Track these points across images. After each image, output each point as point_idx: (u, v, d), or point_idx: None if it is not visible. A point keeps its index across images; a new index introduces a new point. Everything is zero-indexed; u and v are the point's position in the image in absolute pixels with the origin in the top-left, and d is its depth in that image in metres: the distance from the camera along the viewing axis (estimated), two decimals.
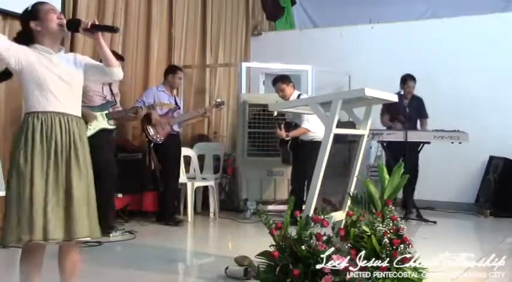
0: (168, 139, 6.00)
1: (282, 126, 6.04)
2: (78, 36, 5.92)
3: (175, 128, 6.14)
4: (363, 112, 4.26)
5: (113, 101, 5.47)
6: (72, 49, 5.89)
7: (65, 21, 2.77)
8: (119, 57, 5.46)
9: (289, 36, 8.94)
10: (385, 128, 6.71)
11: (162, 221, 5.93)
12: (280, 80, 6.08)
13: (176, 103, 6.28)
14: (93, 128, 5.19)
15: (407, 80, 6.65)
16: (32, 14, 2.77)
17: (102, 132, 5.24)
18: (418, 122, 6.85)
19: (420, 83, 6.83)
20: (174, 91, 6.43)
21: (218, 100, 6.52)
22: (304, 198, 6.12)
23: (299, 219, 3.31)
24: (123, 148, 6.24)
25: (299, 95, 6.02)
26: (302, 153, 5.90)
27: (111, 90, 5.44)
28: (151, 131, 5.95)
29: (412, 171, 6.07)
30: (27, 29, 2.78)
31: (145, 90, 6.54)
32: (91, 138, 5.26)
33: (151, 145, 5.99)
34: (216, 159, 7.18)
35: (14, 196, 2.60)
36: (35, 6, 2.78)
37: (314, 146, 5.79)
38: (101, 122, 5.26)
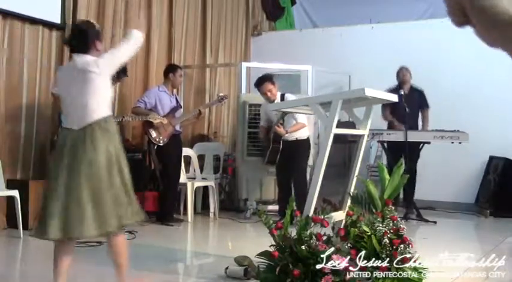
0: (170, 140, 5.99)
1: (280, 123, 5.79)
2: None
3: (178, 127, 6.13)
4: (363, 112, 4.26)
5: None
6: None
7: None
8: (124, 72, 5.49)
9: (289, 36, 8.94)
10: (385, 127, 6.72)
11: (162, 221, 5.93)
12: (268, 80, 5.77)
13: (177, 101, 6.26)
14: None
15: (399, 72, 6.71)
16: (99, 35, 3.24)
17: None
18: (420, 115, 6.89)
19: (420, 83, 6.83)
20: (175, 90, 6.42)
21: (221, 94, 6.48)
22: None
23: (299, 219, 3.31)
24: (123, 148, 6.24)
25: (282, 95, 5.88)
26: (289, 153, 5.84)
27: None
28: (153, 133, 5.92)
29: (411, 172, 6.08)
30: (89, 43, 3.13)
31: (146, 90, 6.54)
32: None
33: (154, 147, 5.98)
34: (216, 159, 7.18)
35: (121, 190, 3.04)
36: (99, 29, 3.31)
37: (300, 144, 5.82)
38: None
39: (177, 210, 6.42)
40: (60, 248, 3.06)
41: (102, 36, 3.29)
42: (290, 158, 5.76)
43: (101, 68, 3.07)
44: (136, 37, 3.16)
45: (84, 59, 3.11)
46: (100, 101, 3.08)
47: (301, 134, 5.85)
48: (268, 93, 5.76)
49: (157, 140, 5.91)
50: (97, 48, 3.16)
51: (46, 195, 3.07)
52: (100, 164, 2.97)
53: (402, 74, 6.70)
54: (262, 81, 5.81)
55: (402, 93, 6.43)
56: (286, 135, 5.77)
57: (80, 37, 3.15)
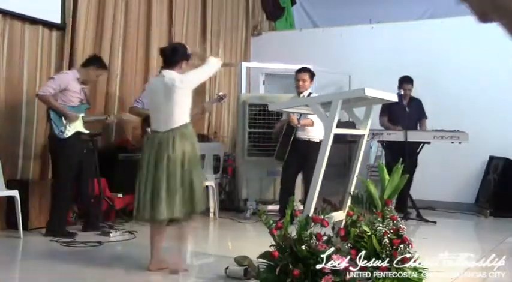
0: None
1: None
2: (79, 37, 5.92)
3: None
4: (363, 112, 4.26)
5: (88, 104, 5.44)
6: (72, 47, 5.89)
7: None
8: (103, 66, 5.45)
9: (289, 36, 8.94)
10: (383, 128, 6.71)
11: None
12: (309, 71, 5.87)
13: None
14: (72, 129, 5.16)
15: (403, 83, 6.62)
16: (187, 57, 3.96)
17: (78, 134, 5.20)
18: (418, 123, 6.86)
19: (420, 83, 6.83)
20: None
21: (220, 93, 6.41)
22: (300, 197, 6.12)
23: (299, 219, 3.31)
24: (123, 148, 6.24)
25: (309, 94, 5.86)
26: (301, 153, 5.81)
27: (84, 93, 5.38)
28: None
29: (410, 171, 6.07)
30: (177, 60, 3.90)
31: (144, 89, 6.55)
32: (67, 140, 5.19)
33: None
34: (216, 159, 7.17)
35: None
36: (190, 55, 4.00)
37: (313, 146, 5.80)
38: (77, 125, 5.21)
39: None
40: (153, 228, 3.87)
41: (191, 58, 4.05)
42: (302, 159, 5.72)
43: (184, 84, 3.80)
44: (214, 63, 4.00)
45: (171, 76, 3.81)
46: (181, 111, 3.81)
47: (314, 135, 5.79)
48: (301, 82, 5.80)
49: None
50: (181, 66, 3.90)
51: (139, 185, 3.80)
52: (176, 160, 3.69)
53: (403, 87, 6.56)
54: (304, 69, 5.87)
55: (402, 93, 6.43)
56: (299, 133, 5.76)
57: (172, 54, 3.90)
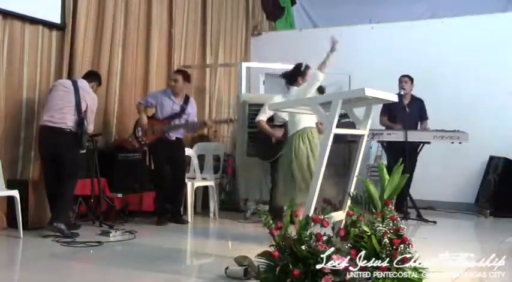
0: (160, 143, 5.94)
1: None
2: (79, 37, 5.92)
3: (175, 134, 6.04)
4: (363, 112, 4.26)
5: None
6: (72, 47, 5.89)
7: None
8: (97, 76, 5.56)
9: (289, 36, 8.93)
10: (383, 128, 6.71)
11: (158, 222, 5.89)
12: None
13: (182, 110, 6.04)
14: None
15: (402, 81, 6.64)
16: (303, 74, 5.20)
17: None
18: (419, 123, 6.85)
19: (420, 83, 6.82)
20: (190, 97, 6.28)
21: (231, 117, 6.49)
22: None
23: (299, 219, 3.31)
24: (123, 148, 6.23)
25: None
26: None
27: None
28: (139, 132, 5.99)
29: (410, 172, 6.07)
30: (296, 77, 5.23)
31: (146, 89, 6.59)
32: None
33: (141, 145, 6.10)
34: (216, 159, 7.18)
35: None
36: (306, 70, 5.25)
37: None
38: None
39: (175, 211, 6.42)
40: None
41: (306, 74, 5.19)
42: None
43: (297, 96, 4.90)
44: (319, 77, 4.89)
45: (291, 92, 5.13)
46: (298, 119, 4.92)
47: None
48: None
49: (140, 139, 5.99)
50: (299, 82, 5.14)
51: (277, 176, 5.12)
52: (290, 157, 4.85)
53: (402, 86, 6.58)
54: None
55: (402, 93, 6.43)
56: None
57: (290, 74, 5.29)
